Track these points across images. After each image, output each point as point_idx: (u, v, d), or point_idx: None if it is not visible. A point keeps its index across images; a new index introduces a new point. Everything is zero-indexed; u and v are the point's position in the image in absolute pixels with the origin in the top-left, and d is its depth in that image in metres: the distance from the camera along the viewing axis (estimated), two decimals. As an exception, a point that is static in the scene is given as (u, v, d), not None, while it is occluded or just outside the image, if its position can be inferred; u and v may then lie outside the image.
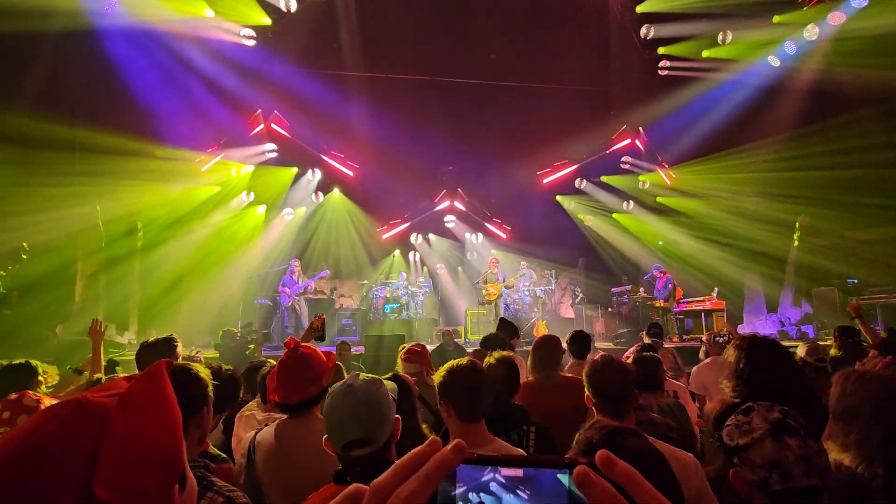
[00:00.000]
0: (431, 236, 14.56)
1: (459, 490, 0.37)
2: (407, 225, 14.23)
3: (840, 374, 1.65)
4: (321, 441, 1.34)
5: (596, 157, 13.42)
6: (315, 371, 1.92)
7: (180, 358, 2.99)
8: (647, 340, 4.76)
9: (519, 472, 0.37)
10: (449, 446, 0.39)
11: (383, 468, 1.30)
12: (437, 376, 1.85)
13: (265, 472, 1.82)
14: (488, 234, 14.39)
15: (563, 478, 0.36)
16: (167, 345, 2.84)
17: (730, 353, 2.03)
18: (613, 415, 1.71)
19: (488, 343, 3.77)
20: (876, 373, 1.62)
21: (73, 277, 9.19)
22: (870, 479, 1.44)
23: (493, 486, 0.37)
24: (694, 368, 4.03)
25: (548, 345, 3.06)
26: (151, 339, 2.96)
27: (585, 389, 1.79)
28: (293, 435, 1.85)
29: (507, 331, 4.60)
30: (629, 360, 2.67)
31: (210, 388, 1.59)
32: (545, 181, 13.86)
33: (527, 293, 11.47)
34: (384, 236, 14.14)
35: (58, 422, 0.52)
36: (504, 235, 14.27)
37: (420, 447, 0.41)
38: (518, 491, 0.36)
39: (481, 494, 0.37)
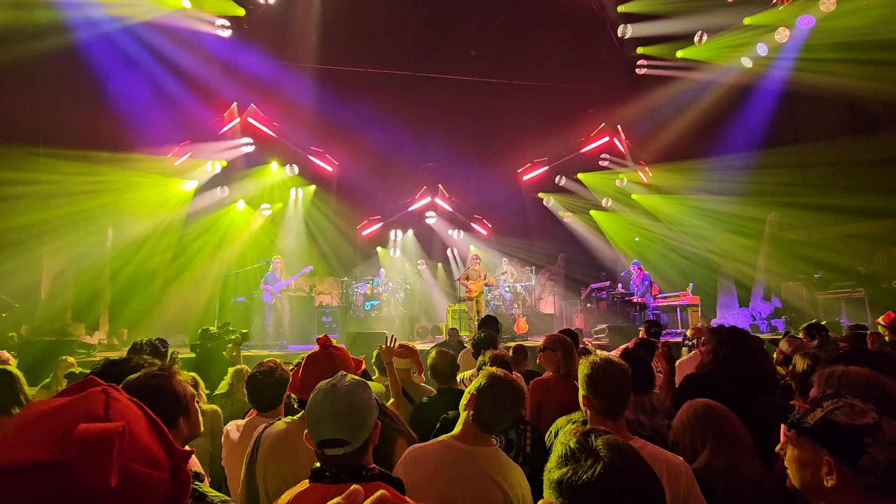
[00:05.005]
0: (412, 233, 14.49)
1: None
2: (387, 221, 14.13)
3: (820, 373, 1.69)
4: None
5: (575, 155, 13.56)
6: (338, 371, 1.92)
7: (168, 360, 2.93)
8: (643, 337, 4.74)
9: None
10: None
11: (356, 471, 1.28)
12: None
13: (264, 465, 1.81)
14: (469, 231, 14.42)
15: None
16: (156, 350, 2.79)
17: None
18: (610, 415, 1.71)
19: (479, 346, 3.71)
20: (856, 370, 1.64)
21: (39, 275, 8.83)
22: None
23: None
24: (677, 363, 4.12)
25: (572, 346, 3.19)
26: (145, 339, 2.90)
27: (581, 389, 1.78)
28: (299, 436, 1.83)
29: (492, 326, 4.62)
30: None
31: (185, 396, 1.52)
32: (525, 178, 13.94)
33: (507, 289, 11.53)
34: (364, 233, 14.02)
35: None
36: (485, 232, 14.31)
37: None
38: None
39: None
